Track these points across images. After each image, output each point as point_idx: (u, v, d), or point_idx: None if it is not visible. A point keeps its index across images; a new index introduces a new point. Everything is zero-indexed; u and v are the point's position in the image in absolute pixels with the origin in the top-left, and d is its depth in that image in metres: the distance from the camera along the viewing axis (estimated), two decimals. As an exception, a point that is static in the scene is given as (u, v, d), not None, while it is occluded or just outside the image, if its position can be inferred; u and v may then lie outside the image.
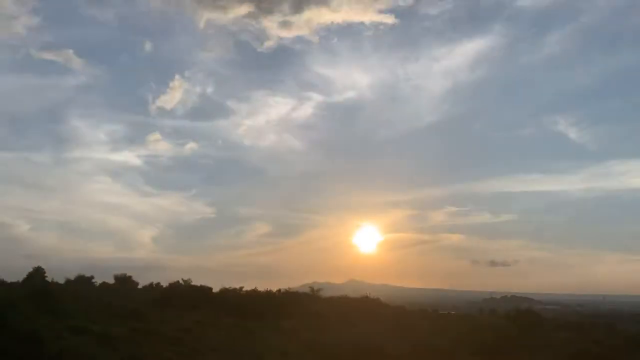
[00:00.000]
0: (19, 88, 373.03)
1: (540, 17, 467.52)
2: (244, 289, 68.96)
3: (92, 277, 64.83)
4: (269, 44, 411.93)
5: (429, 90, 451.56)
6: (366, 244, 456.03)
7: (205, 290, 65.90)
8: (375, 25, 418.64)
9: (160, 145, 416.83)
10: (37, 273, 58.66)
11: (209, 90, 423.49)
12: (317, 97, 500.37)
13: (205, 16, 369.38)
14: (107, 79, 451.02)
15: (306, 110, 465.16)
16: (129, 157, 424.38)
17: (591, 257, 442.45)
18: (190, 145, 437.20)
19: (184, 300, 55.10)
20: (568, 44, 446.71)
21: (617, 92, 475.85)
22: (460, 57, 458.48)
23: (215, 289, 67.69)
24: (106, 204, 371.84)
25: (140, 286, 70.31)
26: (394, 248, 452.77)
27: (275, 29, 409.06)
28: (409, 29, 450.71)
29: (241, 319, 48.78)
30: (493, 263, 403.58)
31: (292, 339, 41.68)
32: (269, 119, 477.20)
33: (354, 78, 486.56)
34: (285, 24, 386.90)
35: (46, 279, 57.92)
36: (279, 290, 70.36)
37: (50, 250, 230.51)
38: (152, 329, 36.50)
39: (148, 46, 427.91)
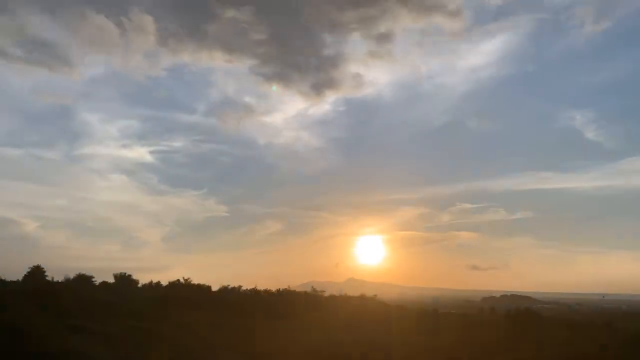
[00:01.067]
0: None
1: (562, 14, 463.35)
2: (243, 288, 69.15)
3: (92, 277, 64.87)
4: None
5: (448, 88, 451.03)
6: (372, 244, 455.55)
7: (205, 290, 66.03)
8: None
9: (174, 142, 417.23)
10: (37, 272, 58.66)
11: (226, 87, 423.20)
12: (335, 94, 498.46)
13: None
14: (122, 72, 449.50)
15: (323, 107, 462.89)
16: (142, 153, 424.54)
17: (601, 255, 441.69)
18: (205, 143, 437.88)
19: (184, 300, 55.15)
20: (591, 40, 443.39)
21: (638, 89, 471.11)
22: (479, 55, 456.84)
23: (216, 288, 67.91)
24: (118, 202, 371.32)
25: (140, 285, 70.35)
26: (400, 247, 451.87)
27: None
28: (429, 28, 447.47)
29: (241, 318, 48.84)
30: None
31: (292, 338, 41.69)
32: (285, 116, 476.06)
33: (373, 74, 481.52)
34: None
35: (46, 277, 57.96)
36: (279, 290, 70.46)
37: (58, 248, 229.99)
38: (151, 328, 36.53)
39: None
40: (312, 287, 74.27)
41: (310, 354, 35.92)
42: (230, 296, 64.15)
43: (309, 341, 40.59)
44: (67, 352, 23.94)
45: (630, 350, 41.94)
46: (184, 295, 58.42)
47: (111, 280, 68.39)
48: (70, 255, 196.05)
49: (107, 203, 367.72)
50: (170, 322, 40.69)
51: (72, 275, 61.98)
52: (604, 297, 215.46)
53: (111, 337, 30.40)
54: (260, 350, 35.74)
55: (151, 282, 72.43)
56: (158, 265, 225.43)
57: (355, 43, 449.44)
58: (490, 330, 51.28)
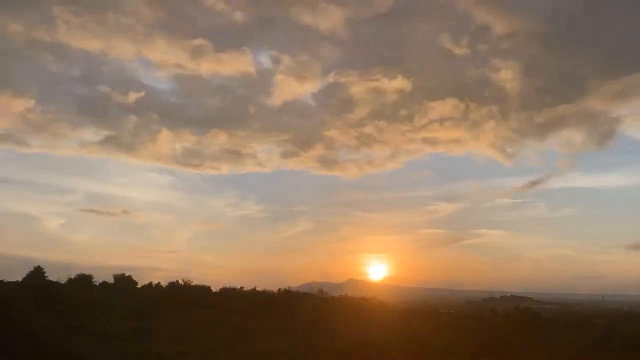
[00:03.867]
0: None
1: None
2: (243, 289, 69.25)
3: (92, 277, 64.82)
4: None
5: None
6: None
7: (205, 290, 66.09)
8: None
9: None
10: (37, 272, 58.62)
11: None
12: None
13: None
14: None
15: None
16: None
17: (613, 255, 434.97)
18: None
19: (184, 300, 55.18)
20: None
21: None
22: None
23: (216, 289, 68.02)
24: (147, 201, 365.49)
25: (140, 286, 70.30)
26: (416, 247, 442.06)
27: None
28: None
29: (241, 319, 48.83)
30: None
31: (292, 339, 41.70)
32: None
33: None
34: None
35: (46, 278, 57.86)
36: (279, 290, 70.59)
37: (81, 246, 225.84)
38: (152, 328, 36.60)
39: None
40: (320, 288, 74.16)
41: (311, 354, 35.97)
42: (230, 297, 64.17)
43: (310, 342, 40.61)
44: (68, 353, 23.97)
45: (631, 351, 42.01)
46: (184, 296, 58.43)
47: (111, 280, 68.37)
48: (94, 255, 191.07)
49: (138, 200, 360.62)
50: (171, 323, 40.73)
51: (72, 276, 62.00)
52: (604, 298, 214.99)
53: (111, 337, 30.44)
54: (260, 351, 35.78)
55: (151, 283, 72.46)
56: (187, 265, 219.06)
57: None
58: (490, 331, 51.26)
